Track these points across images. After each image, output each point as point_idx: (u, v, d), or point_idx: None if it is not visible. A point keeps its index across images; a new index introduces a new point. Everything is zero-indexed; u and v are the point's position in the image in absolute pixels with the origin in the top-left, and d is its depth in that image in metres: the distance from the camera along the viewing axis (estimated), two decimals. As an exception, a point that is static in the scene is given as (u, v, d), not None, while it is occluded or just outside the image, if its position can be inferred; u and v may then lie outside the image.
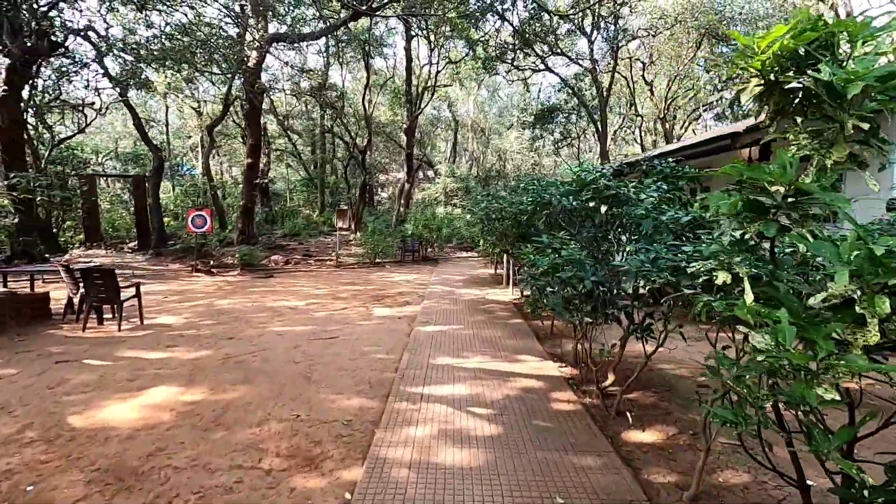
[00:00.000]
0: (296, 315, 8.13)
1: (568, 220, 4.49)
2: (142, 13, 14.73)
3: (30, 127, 18.35)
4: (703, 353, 2.71)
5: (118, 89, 17.35)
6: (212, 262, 14.92)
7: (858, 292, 1.46)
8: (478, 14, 21.42)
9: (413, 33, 22.99)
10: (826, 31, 1.81)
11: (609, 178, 3.72)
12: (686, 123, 30.42)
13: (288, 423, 3.79)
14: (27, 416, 3.89)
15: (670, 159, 5.40)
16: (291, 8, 17.52)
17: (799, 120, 1.92)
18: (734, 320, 2.04)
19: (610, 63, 21.64)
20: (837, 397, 1.40)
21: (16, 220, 12.58)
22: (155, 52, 15.16)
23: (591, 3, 18.61)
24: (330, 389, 4.53)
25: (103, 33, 15.84)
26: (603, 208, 3.63)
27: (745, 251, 1.99)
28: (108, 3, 14.96)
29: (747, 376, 1.72)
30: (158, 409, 4.05)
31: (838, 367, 1.41)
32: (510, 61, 22.38)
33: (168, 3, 14.53)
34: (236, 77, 17.40)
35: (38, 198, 12.16)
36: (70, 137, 20.97)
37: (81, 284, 6.95)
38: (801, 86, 1.80)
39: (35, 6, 13.49)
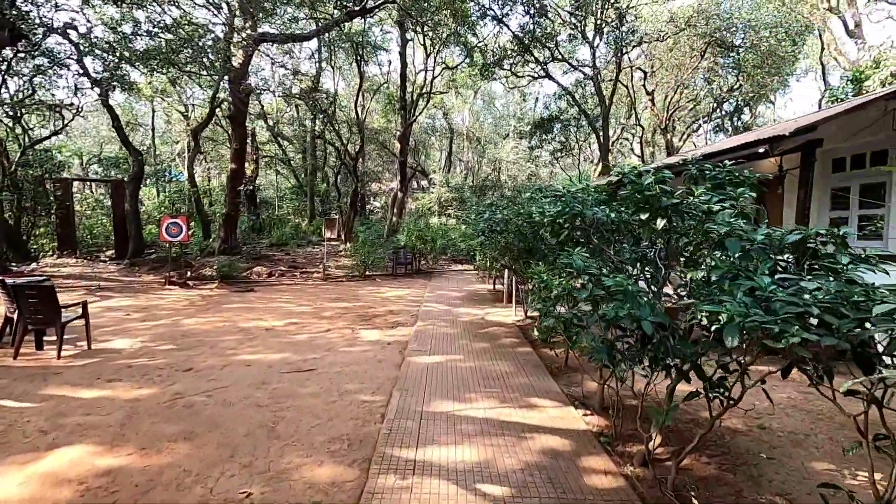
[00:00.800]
0: (271, 339, 7.12)
1: (601, 236, 3.58)
2: (119, 6, 13.79)
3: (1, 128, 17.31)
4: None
5: (97, 90, 16.36)
6: (188, 274, 13.85)
7: None
8: (475, 19, 20.80)
9: (409, 37, 22.24)
10: None
11: (666, 182, 2.81)
12: (685, 135, 29.91)
13: (232, 508, 2.80)
14: None
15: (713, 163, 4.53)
16: (282, 6, 16.66)
17: None
18: None
19: (613, 70, 20.97)
20: None
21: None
22: (138, 52, 14.23)
23: (595, 5, 17.95)
24: (297, 449, 3.54)
25: (84, 31, 14.90)
26: (660, 222, 2.73)
27: None
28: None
29: None
30: (60, 482, 3.03)
31: None
32: (509, 67, 21.66)
33: (149, -1, 13.63)
34: (222, 78, 16.50)
35: (3, 201, 11.07)
36: (44, 139, 19.84)
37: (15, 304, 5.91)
38: None
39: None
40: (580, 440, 3.69)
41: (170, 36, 14.08)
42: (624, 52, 19.40)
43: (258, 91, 19.45)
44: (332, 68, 22.68)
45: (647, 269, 3.35)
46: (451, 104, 34.29)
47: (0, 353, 6.00)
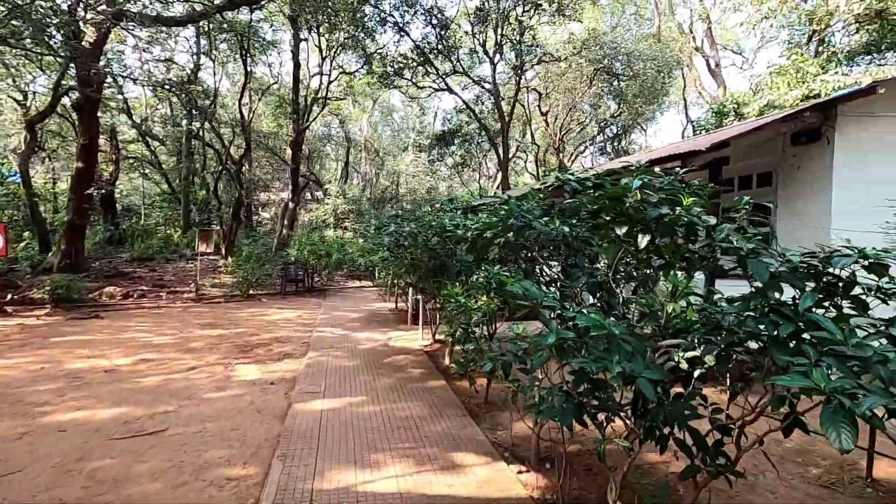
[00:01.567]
0: (108, 385, 5.42)
1: (554, 252, 2.86)
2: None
3: None
4: None
5: None
6: (10, 297, 10.95)
7: None
8: (374, 25, 19.95)
9: (303, 37, 20.67)
10: None
11: (656, 188, 2.13)
12: (574, 156, 31.81)
13: None
14: None
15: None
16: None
17: None
18: None
19: (513, 88, 21.37)
20: None
21: None
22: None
23: (495, 22, 18.09)
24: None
25: None
26: (643, 240, 2.03)
27: None
28: None
29: None
30: None
31: None
32: (409, 77, 21.07)
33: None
34: (71, 59, 13.60)
35: None
36: None
37: None
38: None
39: None
40: (523, 516, 2.88)
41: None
42: (524, 69, 19.81)
43: (114, 76, 16.51)
44: (213, 62, 20.20)
45: (599, 295, 2.67)
46: (348, 112, 32.90)
47: None
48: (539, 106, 24.75)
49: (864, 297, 1.83)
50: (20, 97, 21.30)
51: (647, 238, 2.04)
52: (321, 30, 20.20)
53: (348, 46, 21.00)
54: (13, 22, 11.67)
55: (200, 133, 21.77)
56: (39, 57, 15.53)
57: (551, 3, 17.25)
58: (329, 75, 22.35)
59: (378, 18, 19.91)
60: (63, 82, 16.22)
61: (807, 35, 18.10)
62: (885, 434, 2.39)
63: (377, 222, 9.54)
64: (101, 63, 13.40)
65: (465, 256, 5.54)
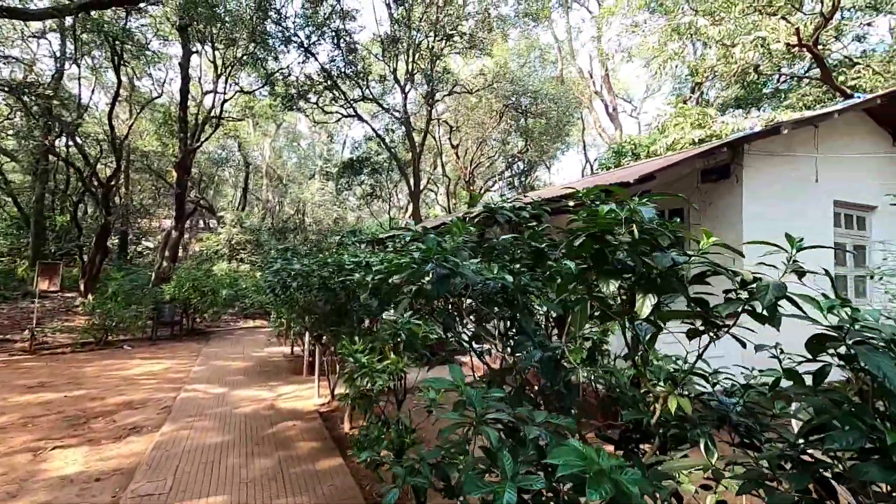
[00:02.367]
0: None
1: (489, 309, 1.99)
2: None
3: None
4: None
5: None
6: None
7: None
8: (277, 44, 18.66)
9: (194, 49, 18.69)
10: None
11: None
12: (484, 190, 32.26)
13: None
14: None
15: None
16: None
17: None
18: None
19: (424, 118, 21.00)
20: None
21: None
22: None
23: (406, 51, 17.69)
24: None
25: None
26: (646, 305, 1.23)
27: None
28: None
29: None
30: None
31: None
32: (315, 101, 19.88)
33: None
34: None
35: None
36: None
37: None
38: None
39: None
40: None
41: None
42: (435, 98, 19.55)
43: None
44: (77, 66, 17.36)
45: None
46: (247, 135, 30.59)
47: None
48: (450, 139, 24.71)
49: None
50: None
51: (654, 301, 1.25)
52: (216, 44, 18.45)
53: (247, 63, 19.39)
54: None
55: (61, 149, 18.60)
56: None
57: (462, 35, 17.30)
58: (224, 93, 20.40)
59: (282, 37, 18.68)
60: None
61: (690, 87, 20.02)
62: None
63: (266, 257, 8.17)
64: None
65: (370, 300, 4.55)
